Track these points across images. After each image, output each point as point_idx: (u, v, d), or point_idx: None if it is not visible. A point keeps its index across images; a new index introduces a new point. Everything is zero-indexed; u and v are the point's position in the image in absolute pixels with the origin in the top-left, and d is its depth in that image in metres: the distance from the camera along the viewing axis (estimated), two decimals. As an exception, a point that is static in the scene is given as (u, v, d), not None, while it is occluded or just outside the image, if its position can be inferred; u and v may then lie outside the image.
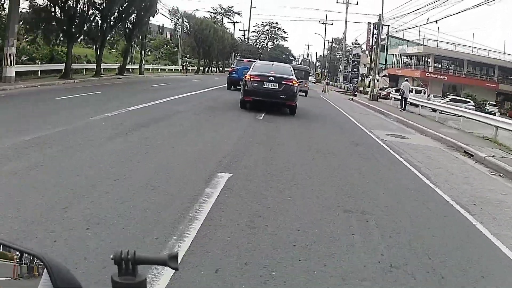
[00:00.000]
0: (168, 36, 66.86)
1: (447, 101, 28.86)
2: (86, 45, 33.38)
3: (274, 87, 13.41)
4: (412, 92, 23.83)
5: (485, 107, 39.86)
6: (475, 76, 50.58)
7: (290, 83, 13.48)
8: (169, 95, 17.41)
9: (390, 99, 30.45)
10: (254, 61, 20.83)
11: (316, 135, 11.52)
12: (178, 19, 54.25)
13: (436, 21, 24.52)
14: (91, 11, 26.12)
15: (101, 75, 28.04)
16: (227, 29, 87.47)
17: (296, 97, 13.85)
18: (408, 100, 22.09)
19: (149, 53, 59.59)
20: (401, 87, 22.49)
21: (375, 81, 31.82)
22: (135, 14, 30.58)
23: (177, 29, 57.92)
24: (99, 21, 27.46)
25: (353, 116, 17.26)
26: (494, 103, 44.88)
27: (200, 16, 58.12)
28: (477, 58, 48.80)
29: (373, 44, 69.59)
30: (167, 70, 50.27)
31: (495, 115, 27.61)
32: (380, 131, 13.49)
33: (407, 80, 23.12)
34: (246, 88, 13.69)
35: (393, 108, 22.38)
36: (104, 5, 26.41)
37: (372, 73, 33.56)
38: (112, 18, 28.16)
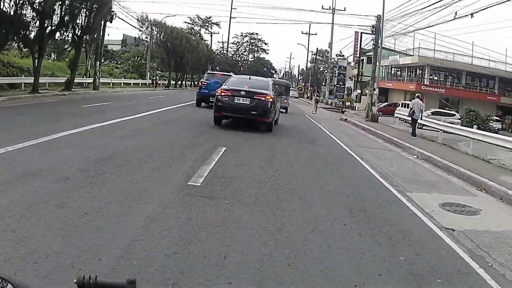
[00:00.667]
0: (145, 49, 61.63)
1: (428, 115, 24.34)
2: (22, 53, 28.21)
3: (245, 102, 13.21)
4: (422, 111, 18.44)
5: (489, 123, 35.56)
6: (475, 89, 46.65)
7: (263, 98, 13.19)
8: (107, 118, 13.34)
9: (380, 116, 25.97)
10: (229, 75, 20.46)
11: (306, 209, 5.83)
12: (147, 27, 48.91)
13: (472, 15, 19.55)
14: (27, 12, 21.12)
15: (39, 91, 22.99)
16: (204, 40, 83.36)
17: (270, 113, 13.46)
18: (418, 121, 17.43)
19: (118, 65, 54.77)
20: (411, 105, 17.68)
21: (374, 96, 27.19)
22: (83, 17, 25.36)
23: (145, 39, 52.75)
24: (37, 24, 22.39)
25: (362, 155, 11.49)
26: (498, 118, 40.94)
27: (171, 24, 53.02)
28: (476, 69, 44.81)
29: (360, 55, 66.76)
30: (132, 84, 46.02)
31: (497, 132, 23.53)
32: (423, 195, 7.53)
33: (418, 97, 18.27)
34: (217, 103, 13.63)
35: (404, 135, 17.56)
36: (43, 4, 21.33)
37: (369, 87, 29.28)
38: (52, 21, 23.01)
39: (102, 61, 48.24)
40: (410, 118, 18.15)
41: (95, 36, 29.37)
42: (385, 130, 19.39)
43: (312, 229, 4.86)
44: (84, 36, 27.28)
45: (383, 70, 62.66)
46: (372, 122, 25.20)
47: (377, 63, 30.16)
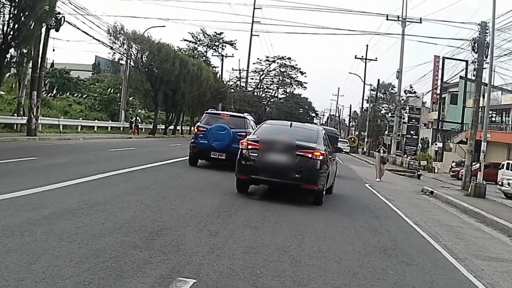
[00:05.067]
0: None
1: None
2: None
3: (283, 161, 13.08)
4: None
5: None
6: None
7: (309, 155, 13.08)
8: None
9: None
10: (243, 118, 21.53)
11: None
12: (122, 43, 46.71)
13: None
14: None
15: None
16: (212, 66, 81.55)
17: (319, 178, 13.23)
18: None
19: (82, 99, 52.66)
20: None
21: (481, 155, 23.56)
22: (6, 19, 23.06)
23: (118, 60, 50.69)
24: None
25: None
26: None
27: (158, 39, 51.38)
28: None
29: (441, 91, 63.23)
30: (96, 128, 44.06)
31: None
32: None
33: None
34: (241, 161, 13.55)
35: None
36: None
37: (469, 139, 25.39)
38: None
39: (44, 91, 46.47)
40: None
41: (28, 50, 27.29)
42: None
43: None
44: (9, 50, 24.56)
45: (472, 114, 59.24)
46: (477, 198, 21.37)
47: (480, 97, 26.54)
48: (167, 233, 8.00)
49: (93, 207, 9.47)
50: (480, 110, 56.74)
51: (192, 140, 21.35)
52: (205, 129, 20.68)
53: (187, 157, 21.49)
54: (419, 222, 13.23)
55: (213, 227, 8.91)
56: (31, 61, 29.24)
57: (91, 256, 6.37)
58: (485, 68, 26.75)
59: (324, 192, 13.83)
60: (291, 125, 15.32)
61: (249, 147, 13.47)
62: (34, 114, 29.76)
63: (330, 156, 14.98)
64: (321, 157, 13.22)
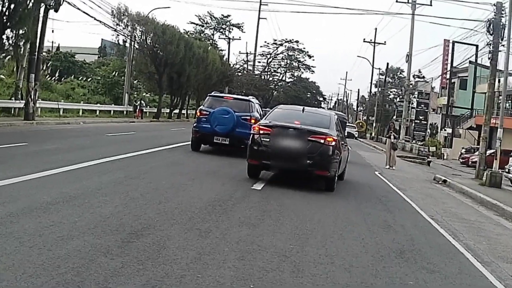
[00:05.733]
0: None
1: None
2: None
3: (294, 146, 13.02)
4: None
5: None
6: None
7: (322, 140, 13.00)
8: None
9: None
10: (248, 101, 20.74)
11: None
12: (126, 25, 45.66)
13: None
14: None
15: None
16: (219, 49, 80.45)
17: (331, 164, 13.16)
18: None
19: (85, 82, 51.75)
20: None
21: (497, 142, 22.42)
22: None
23: (123, 43, 49.99)
24: None
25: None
26: None
27: (163, 21, 50.66)
28: None
29: (451, 76, 61.76)
30: (98, 112, 43.15)
31: None
32: None
33: None
34: (252, 145, 13.50)
35: None
36: None
37: (484, 125, 24.26)
38: None
39: (48, 75, 45.81)
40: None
41: (25, 31, 26.42)
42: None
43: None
44: (5, 31, 23.59)
45: (484, 99, 58.13)
46: (492, 187, 20.21)
47: (495, 82, 25.30)
48: (149, 234, 6.83)
49: (70, 201, 8.34)
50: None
51: (194, 124, 20.76)
52: (208, 113, 20.03)
53: (189, 142, 20.81)
54: (435, 216, 12.07)
55: (204, 225, 7.74)
56: (29, 43, 28.26)
57: (49, 267, 5.23)
58: (500, 51, 25.54)
59: (336, 179, 13.68)
60: (303, 110, 15.14)
61: (261, 132, 13.39)
62: (32, 97, 28.77)
63: (342, 142, 14.89)
64: (333, 143, 13.14)
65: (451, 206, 14.83)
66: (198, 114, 21.03)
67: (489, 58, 25.36)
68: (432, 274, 6.88)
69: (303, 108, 15.56)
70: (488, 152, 42.28)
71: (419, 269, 6.99)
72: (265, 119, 14.63)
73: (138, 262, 5.66)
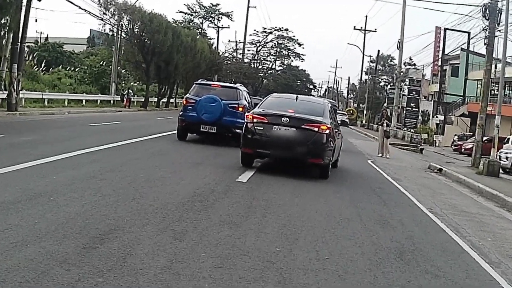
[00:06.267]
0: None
1: None
2: None
3: (288, 134, 13.04)
4: None
5: None
6: None
7: (316, 129, 13.05)
8: None
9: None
10: (236, 89, 20.39)
11: None
12: (113, 14, 45.00)
13: None
14: None
15: None
16: (208, 38, 79.82)
17: (325, 152, 13.23)
18: None
19: (73, 72, 50.94)
20: None
21: (495, 130, 21.76)
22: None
23: (110, 32, 49.29)
24: None
25: None
26: None
27: (150, 10, 50.10)
28: None
29: (442, 63, 61.17)
30: (84, 102, 42.32)
31: None
32: None
33: None
34: (246, 134, 13.52)
35: None
36: None
37: (480, 112, 23.58)
38: None
39: (36, 66, 45.00)
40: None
41: (7, 21, 25.67)
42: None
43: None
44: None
45: (479, 87, 57.86)
46: (490, 176, 19.49)
47: (492, 68, 24.64)
48: (115, 238, 5.98)
49: (33, 199, 7.47)
50: (481, 83, 55.19)
51: (180, 113, 20.30)
52: (194, 101, 19.53)
53: (175, 132, 20.31)
54: (434, 209, 11.24)
55: (180, 225, 6.88)
56: (11, 33, 27.37)
57: (-9, 282, 4.41)
58: (496, 36, 24.81)
59: (330, 166, 13.76)
60: (296, 98, 15.24)
61: (255, 120, 13.41)
62: (15, 88, 27.86)
63: (336, 130, 14.91)
64: (327, 131, 13.22)
65: (449, 197, 14.03)
66: (184, 102, 20.61)
67: (485, 44, 24.55)
68: (438, 280, 6.09)
69: (297, 96, 15.61)
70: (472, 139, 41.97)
71: (423, 274, 6.19)
72: (258, 107, 14.54)
73: (98, 274, 4.84)
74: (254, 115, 13.59)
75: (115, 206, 7.51)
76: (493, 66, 46.78)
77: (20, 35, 27.96)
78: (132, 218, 6.91)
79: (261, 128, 13.28)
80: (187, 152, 16.06)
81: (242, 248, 6.17)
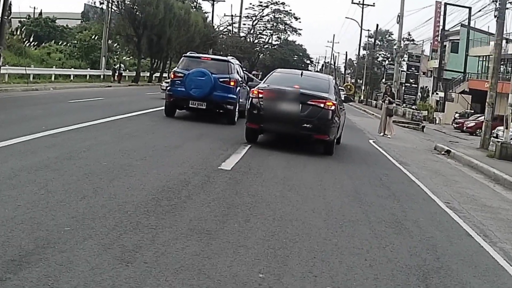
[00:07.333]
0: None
1: None
2: None
3: (294, 110, 13.08)
4: None
5: None
6: None
7: (321, 105, 13.19)
8: None
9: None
10: (228, 62, 19.60)
11: None
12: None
13: None
14: None
15: None
16: (203, 11, 78.23)
17: (330, 128, 13.40)
18: None
19: (63, 47, 49.46)
20: None
21: (508, 110, 20.10)
22: None
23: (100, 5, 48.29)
24: None
25: None
26: None
27: None
28: None
29: (442, 39, 59.48)
30: (72, 77, 40.89)
31: None
32: None
33: None
34: (251, 109, 13.69)
35: None
36: None
37: (490, 89, 22.00)
38: None
39: (26, 40, 43.37)
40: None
41: None
42: None
43: None
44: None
45: (480, 63, 56.48)
46: (504, 160, 18.03)
47: (502, 42, 22.99)
48: (39, 260, 4.28)
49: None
50: (484, 59, 53.70)
51: (168, 88, 19.53)
52: (182, 75, 18.59)
53: (161, 108, 19.64)
54: (452, 203, 9.54)
55: (134, 237, 5.15)
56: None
57: None
58: (508, 9, 23.13)
59: (334, 142, 14.02)
60: (301, 74, 15.38)
61: (260, 96, 13.50)
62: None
63: (340, 106, 15.00)
64: (333, 107, 13.27)
65: (465, 187, 12.32)
66: (172, 76, 19.68)
67: (495, 16, 22.76)
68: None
69: (302, 72, 15.80)
70: (475, 118, 40.55)
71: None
72: (263, 82, 14.67)
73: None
74: (259, 90, 13.60)
75: (57, 209, 5.78)
76: (492, 43, 45.52)
77: (1, 8, 26.46)
78: (73, 228, 5.19)
79: (267, 103, 13.35)
80: (166, 133, 14.52)
81: (211, 275, 4.44)
